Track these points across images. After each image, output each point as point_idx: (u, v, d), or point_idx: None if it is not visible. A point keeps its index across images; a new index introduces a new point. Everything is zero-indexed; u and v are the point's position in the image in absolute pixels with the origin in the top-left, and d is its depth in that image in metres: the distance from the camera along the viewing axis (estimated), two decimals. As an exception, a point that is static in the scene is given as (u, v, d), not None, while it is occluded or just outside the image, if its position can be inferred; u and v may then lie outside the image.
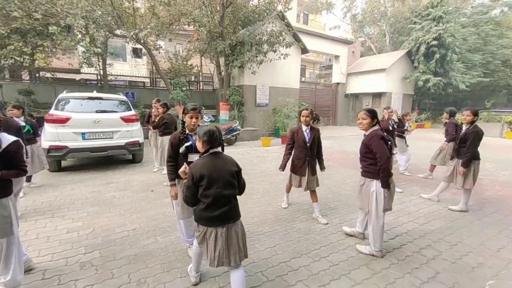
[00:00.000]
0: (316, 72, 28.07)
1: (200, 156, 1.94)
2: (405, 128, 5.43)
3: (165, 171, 4.81)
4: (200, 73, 15.11)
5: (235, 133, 9.52)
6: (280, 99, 11.48)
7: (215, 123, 10.85)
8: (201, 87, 14.49)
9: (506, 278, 2.33)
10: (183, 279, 2.29)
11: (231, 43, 9.99)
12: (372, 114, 2.59)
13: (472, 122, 3.60)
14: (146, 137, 6.10)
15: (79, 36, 8.34)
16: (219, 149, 1.93)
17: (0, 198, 1.93)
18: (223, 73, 11.55)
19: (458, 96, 20.81)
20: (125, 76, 12.59)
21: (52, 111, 5.11)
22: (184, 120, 2.50)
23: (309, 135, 3.38)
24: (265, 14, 11.80)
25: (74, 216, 3.50)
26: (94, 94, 5.80)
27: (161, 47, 11.31)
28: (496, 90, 23.97)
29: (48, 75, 11.66)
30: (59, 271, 2.37)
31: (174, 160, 2.50)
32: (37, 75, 10.77)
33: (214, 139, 1.87)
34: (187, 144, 2.44)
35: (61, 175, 5.25)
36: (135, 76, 13.90)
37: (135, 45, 10.98)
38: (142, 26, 9.38)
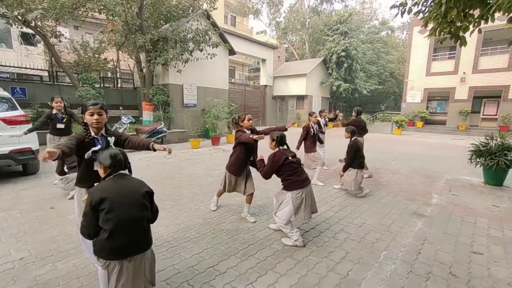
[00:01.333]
0: (245, 74, 28.91)
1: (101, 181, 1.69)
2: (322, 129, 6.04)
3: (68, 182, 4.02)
4: (118, 69, 13.42)
5: (160, 135, 8.84)
6: (209, 99, 11.29)
7: (136, 124, 9.81)
8: (119, 85, 12.87)
9: (394, 247, 2.84)
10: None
11: (152, 38, 9.21)
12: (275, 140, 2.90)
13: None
14: (43, 142, 4.96)
15: None
16: (126, 171, 1.72)
17: None
18: (144, 70, 10.57)
19: (363, 100, 25.22)
20: (11, 67, 10.01)
21: None
22: (84, 120, 2.11)
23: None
24: (190, 11, 11.38)
25: None
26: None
27: (63, 35, 9.46)
28: (387, 96, 30.29)
29: None
30: None
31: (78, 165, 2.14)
32: None
33: (117, 162, 1.66)
34: (95, 148, 2.07)
35: None
36: (28, 68, 11.24)
37: (23, 29, 8.84)
38: (32, 6, 7.59)
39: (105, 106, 2.18)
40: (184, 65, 10.10)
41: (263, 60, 18.76)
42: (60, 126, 4.53)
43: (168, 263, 2.48)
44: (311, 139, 5.13)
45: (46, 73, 11.31)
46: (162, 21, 10.79)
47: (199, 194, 4.45)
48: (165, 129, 9.11)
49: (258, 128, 3.73)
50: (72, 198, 3.88)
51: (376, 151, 9.04)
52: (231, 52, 13.14)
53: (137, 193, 1.66)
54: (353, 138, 4.38)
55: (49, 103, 4.70)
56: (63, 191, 4.15)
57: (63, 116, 4.60)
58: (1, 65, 9.55)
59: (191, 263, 2.50)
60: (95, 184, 1.77)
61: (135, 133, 8.63)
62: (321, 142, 5.50)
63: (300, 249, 2.77)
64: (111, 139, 2.21)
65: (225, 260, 2.54)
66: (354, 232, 3.18)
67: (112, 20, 9.48)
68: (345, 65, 19.94)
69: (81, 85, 9.20)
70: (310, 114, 5.36)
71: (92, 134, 2.12)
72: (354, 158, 4.26)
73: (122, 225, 1.56)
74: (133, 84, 12.80)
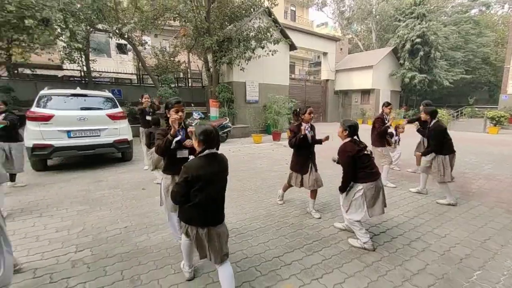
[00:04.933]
0: (305, 69, 28.28)
1: (195, 156, 1.90)
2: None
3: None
4: (189, 70, 14.87)
5: (226, 130, 9.48)
6: (270, 95, 11.51)
7: (205, 120, 10.75)
8: (190, 84, 14.29)
9: (492, 269, 2.40)
10: (176, 275, 2.28)
11: (218, 39, 9.90)
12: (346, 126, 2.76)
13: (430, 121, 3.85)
14: (135, 135, 5.98)
15: (58, 30, 8.00)
16: (215, 149, 1.90)
17: None
18: (211, 70, 11.44)
19: (443, 92, 21.54)
20: (110, 72, 12.22)
21: (34, 108, 4.90)
22: (168, 116, 2.44)
23: (310, 133, 3.38)
24: (252, 10, 11.74)
25: (63, 215, 3.40)
26: (78, 90, 5.59)
27: (147, 42, 11.05)
28: (478, 87, 25.01)
29: (28, 71, 11.13)
30: (50, 270, 2.31)
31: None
32: (16, 71, 10.25)
33: (211, 139, 1.84)
34: (177, 138, 2.38)
35: (48, 174, 5.07)
36: (121, 73, 13.53)
37: (119, 40, 10.65)
38: (125, 21, 9.10)
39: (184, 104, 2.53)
40: (247, 63, 10.53)
41: (325, 54, 18.01)
42: (148, 118, 5.37)
43: (237, 247, 2.70)
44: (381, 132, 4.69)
45: (134, 77, 13.39)
46: (226, 22, 11.47)
47: (262, 187, 4.65)
48: (229, 124, 9.73)
49: (318, 126, 3.64)
50: (159, 183, 4.58)
51: (462, 151, 7.69)
52: (292, 47, 13.05)
53: (223, 176, 1.90)
54: (434, 121, 3.84)
55: (139, 99, 5.63)
56: (151, 175, 4.93)
57: (150, 110, 5.48)
58: (104, 72, 11.74)
59: (258, 250, 2.66)
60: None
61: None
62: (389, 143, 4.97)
63: (369, 252, 2.63)
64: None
65: (290, 253, 2.62)
66: (434, 243, 2.83)
67: (185, 25, 10.55)
68: (421, 53, 17.46)
69: (160, 85, 10.58)
70: (385, 105, 4.86)
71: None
72: (443, 142, 3.74)
73: (209, 199, 1.83)
74: (202, 83, 14.01)
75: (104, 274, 2.27)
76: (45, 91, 5.27)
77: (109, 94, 5.97)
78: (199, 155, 1.85)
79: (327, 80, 18.58)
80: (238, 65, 10.47)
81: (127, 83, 12.44)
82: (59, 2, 7.01)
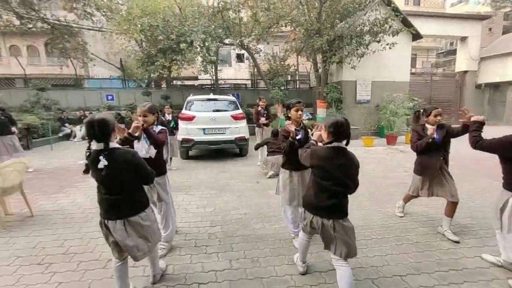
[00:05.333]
0: (431, 61, 23.39)
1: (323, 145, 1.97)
2: None
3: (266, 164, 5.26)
4: (297, 72, 15.33)
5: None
6: (385, 94, 10.25)
7: (312, 121, 10.81)
8: (297, 86, 14.73)
9: None
10: (290, 266, 2.43)
11: (328, 38, 9.66)
12: None
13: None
14: (251, 133, 6.82)
15: (198, 49, 10.07)
16: (344, 143, 1.90)
17: (162, 175, 2.60)
18: (320, 70, 11.33)
19: None
20: (230, 79, 14.33)
21: (183, 110, 6.41)
22: (289, 115, 2.61)
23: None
24: (367, 2, 10.75)
25: (200, 195, 4.30)
26: (211, 96, 6.89)
27: (261, 50, 12.19)
28: None
29: (178, 82, 14.71)
30: (195, 236, 2.99)
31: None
32: (171, 83, 13.81)
33: (340, 132, 1.85)
34: (297, 137, 2.48)
35: (189, 162, 6.51)
36: (239, 79, 15.59)
37: (240, 50, 12.27)
38: (246, 33, 10.41)
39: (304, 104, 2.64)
40: (359, 60, 9.78)
41: (462, 39, 14.20)
42: (262, 119, 5.99)
43: (350, 253, 2.61)
44: None
45: (249, 82, 15.13)
46: (337, 20, 11.03)
47: (375, 194, 4.26)
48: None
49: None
50: (270, 177, 5.04)
51: None
52: (416, 37, 11.09)
53: (344, 173, 1.84)
54: None
55: (257, 102, 6.33)
56: (263, 170, 5.46)
57: (265, 112, 6.08)
58: (226, 79, 13.90)
59: (374, 263, 2.47)
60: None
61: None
62: None
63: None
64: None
65: (416, 275, 2.28)
66: None
67: (296, 30, 10.93)
68: None
69: (271, 88, 11.44)
70: None
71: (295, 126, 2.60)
72: None
73: (326, 191, 1.87)
74: (309, 84, 14.15)
75: (231, 249, 2.72)
76: (190, 97, 6.79)
77: (233, 98, 7.02)
78: (326, 145, 1.91)
79: (465, 72, 14.63)
80: (349, 63, 9.90)
81: (242, 88, 14.23)
82: (201, 27, 8.85)
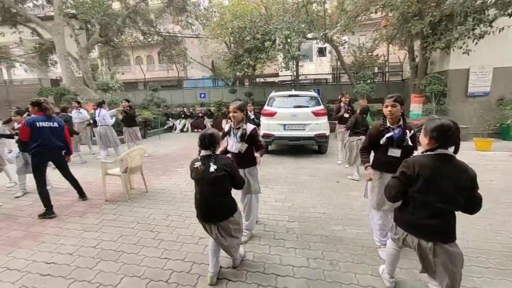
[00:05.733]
0: None
1: (422, 153, 1.70)
2: None
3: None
4: (387, 63, 13.59)
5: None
6: (514, 84, 7.87)
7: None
8: (387, 78, 13.06)
9: None
10: (374, 278, 2.22)
11: (433, 19, 8.06)
12: None
13: None
14: (331, 130, 6.48)
15: (281, 46, 10.19)
16: (451, 150, 1.59)
17: (253, 166, 2.80)
18: (417, 59, 9.68)
19: None
20: (311, 74, 13.97)
21: (265, 107, 6.66)
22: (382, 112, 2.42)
23: None
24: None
25: (279, 190, 4.40)
26: (293, 92, 6.89)
27: (346, 41, 11.35)
28: None
29: (260, 80, 15.44)
30: (273, 229, 3.09)
31: (368, 152, 2.56)
32: (254, 80, 14.63)
33: (446, 137, 1.56)
34: (388, 135, 2.32)
35: (269, 157, 6.73)
36: (320, 74, 15.02)
37: (323, 44, 11.79)
38: (330, 25, 9.86)
39: (400, 98, 2.32)
40: (476, 43, 7.81)
41: None
42: (346, 115, 5.56)
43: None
44: None
45: (330, 76, 14.39)
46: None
47: (495, 212, 3.41)
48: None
49: None
50: (353, 179, 4.69)
51: None
52: None
53: (453, 185, 1.54)
54: None
55: (339, 97, 5.94)
56: (345, 170, 5.15)
57: (349, 108, 5.64)
58: (307, 74, 13.64)
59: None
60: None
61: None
62: None
63: None
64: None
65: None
66: None
67: (388, 15, 9.62)
68: None
69: (356, 82, 10.55)
70: None
71: (388, 124, 2.36)
72: None
73: (427, 208, 1.58)
74: (402, 76, 12.35)
75: (308, 247, 2.69)
76: (272, 94, 6.99)
77: (314, 94, 6.84)
78: (427, 153, 1.63)
79: None
80: (461, 47, 8.04)
81: (323, 83, 13.65)
82: (286, 23, 8.93)
